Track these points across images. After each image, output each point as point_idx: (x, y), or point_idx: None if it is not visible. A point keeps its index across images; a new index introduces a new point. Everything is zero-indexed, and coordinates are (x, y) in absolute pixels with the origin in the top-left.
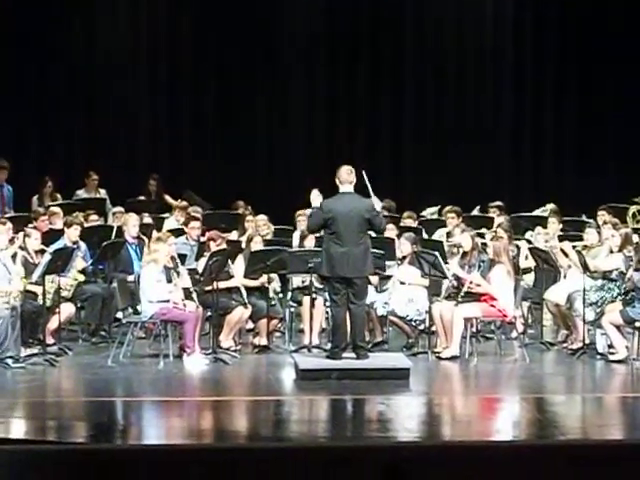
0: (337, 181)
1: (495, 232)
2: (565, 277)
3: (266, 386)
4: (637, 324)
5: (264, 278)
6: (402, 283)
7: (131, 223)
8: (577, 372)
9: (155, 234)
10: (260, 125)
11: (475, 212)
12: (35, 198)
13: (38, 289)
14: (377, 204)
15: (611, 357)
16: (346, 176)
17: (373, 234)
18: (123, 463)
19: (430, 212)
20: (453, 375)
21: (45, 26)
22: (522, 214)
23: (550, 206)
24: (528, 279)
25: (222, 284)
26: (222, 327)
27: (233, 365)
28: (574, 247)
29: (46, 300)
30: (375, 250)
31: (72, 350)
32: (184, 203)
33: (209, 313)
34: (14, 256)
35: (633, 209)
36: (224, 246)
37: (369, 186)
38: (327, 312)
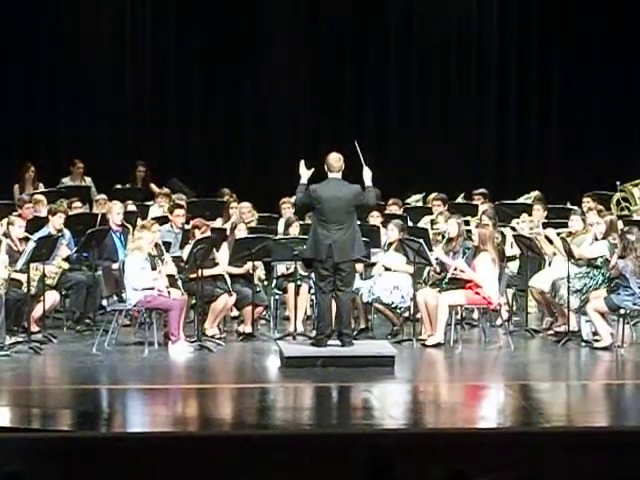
0: (326, 168)
1: (480, 219)
2: (550, 264)
3: (251, 374)
4: (621, 311)
5: (249, 265)
6: (387, 270)
7: (115, 211)
8: (562, 359)
9: (140, 222)
10: (245, 112)
11: (459, 200)
12: (16, 186)
13: (22, 277)
14: (369, 175)
15: (596, 344)
16: (334, 163)
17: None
18: (108, 451)
19: (415, 199)
20: (438, 362)
21: (31, 7)
22: (506, 202)
23: (535, 193)
24: (513, 266)
25: (207, 272)
26: (207, 315)
27: (218, 353)
28: (559, 234)
29: (30, 288)
30: (361, 237)
31: (57, 338)
32: (166, 190)
33: (194, 301)
34: None
35: (617, 196)
36: (209, 234)
37: (361, 156)
38: (312, 299)
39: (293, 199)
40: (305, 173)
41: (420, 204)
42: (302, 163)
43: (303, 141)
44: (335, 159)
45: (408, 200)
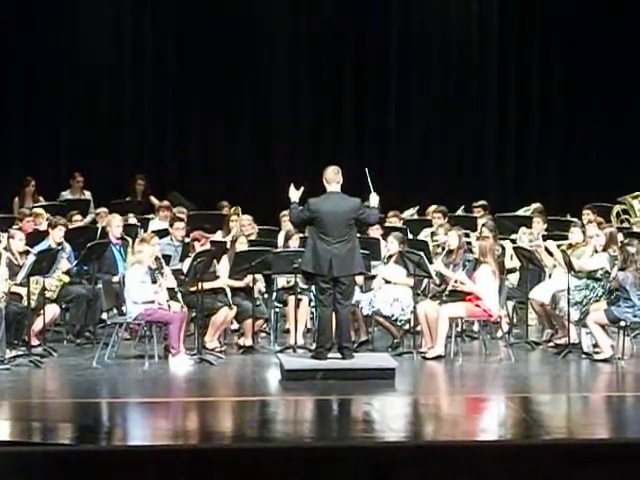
0: (324, 181)
1: (480, 232)
2: (550, 277)
3: (251, 387)
4: (622, 323)
5: (249, 278)
6: (387, 282)
7: (114, 224)
8: (562, 371)
9: (140, 235)
10: (245, 126)
11: (459, 212)
12: (16, 199)
13: (22, 290)
14: (375, 200)
15: (596, 356)
16: (333, 176)
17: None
18: (108, 464)
19: (409, 214)
20: (438, 375)
21: (29, 26)
22: (506, 214)
23: (535, 205)
24: (513, 279)
25: (207, 285)
26: (207, 328)
27: (218, 366)
28: (559, 246)
29: (31, 301)
30: (360, 250)
31: (57, 351)
32: (166, 202)
33: (194, 314)
34: None
35: (617, 208)
36: (208, 246)
37: (370, 183)
38: (312, 312)
39: None
40: (295, 194)
41: (415, 217)
42: (292, 186)
43: (302, 153)
44: (333, 172)
45: (402, 215)
